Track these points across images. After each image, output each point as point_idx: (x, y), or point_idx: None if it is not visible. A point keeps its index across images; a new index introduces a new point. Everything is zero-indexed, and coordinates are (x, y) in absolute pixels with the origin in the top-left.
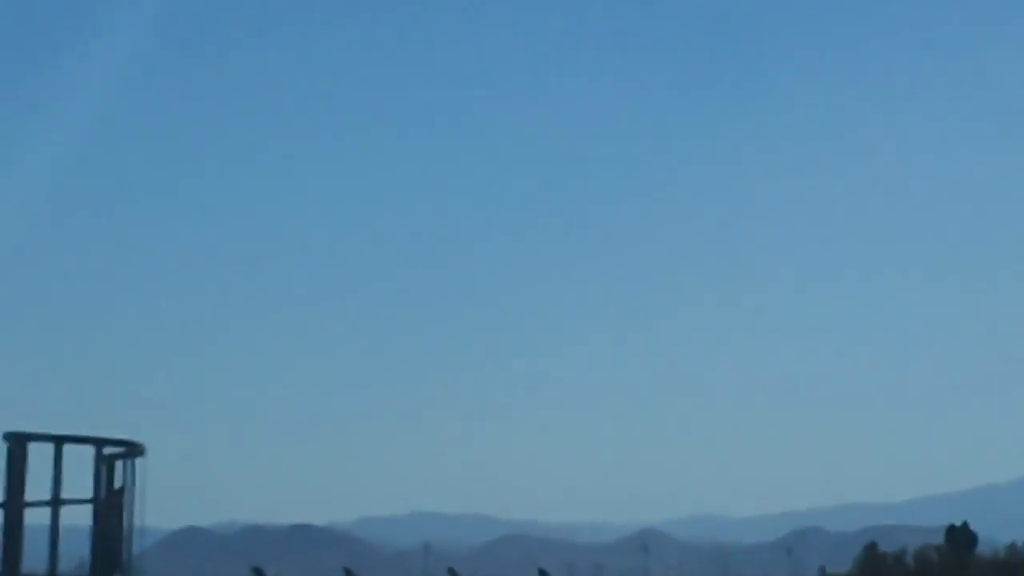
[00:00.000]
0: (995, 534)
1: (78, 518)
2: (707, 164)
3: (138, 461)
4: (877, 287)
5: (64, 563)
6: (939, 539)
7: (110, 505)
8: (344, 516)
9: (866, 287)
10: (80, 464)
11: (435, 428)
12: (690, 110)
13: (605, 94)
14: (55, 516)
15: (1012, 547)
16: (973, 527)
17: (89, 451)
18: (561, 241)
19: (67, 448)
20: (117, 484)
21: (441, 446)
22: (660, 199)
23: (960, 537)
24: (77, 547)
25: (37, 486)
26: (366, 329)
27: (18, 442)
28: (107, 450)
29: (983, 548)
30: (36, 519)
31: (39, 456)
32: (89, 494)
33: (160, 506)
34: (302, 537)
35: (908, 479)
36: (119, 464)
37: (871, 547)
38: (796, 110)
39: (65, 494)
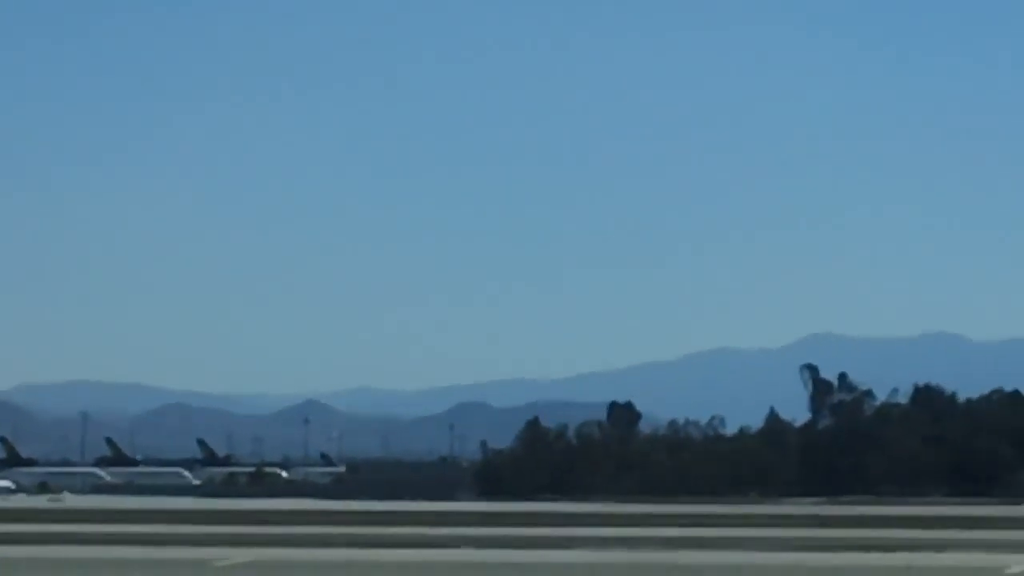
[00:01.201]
0: (657, 411)
1: None
2: None
3: None
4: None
5: None
6: (602, 415)
7: None
8: (1, 383)
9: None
10: None
11: (95, 294)
12: None
13: None
14: None
15: (673, 424)
16: (636, 404)
17: None
18: None
19: None
20: None
21: (101, 313)
22: None
23: (622, 414)
24: None
25: None
26: (41, 189)
27: None
28: None
29: (645, 425)
30: None
31: None
32: None
33: None
34: None
35: (571, 356)
36: None
37: (533, 422)
38: None
39: None
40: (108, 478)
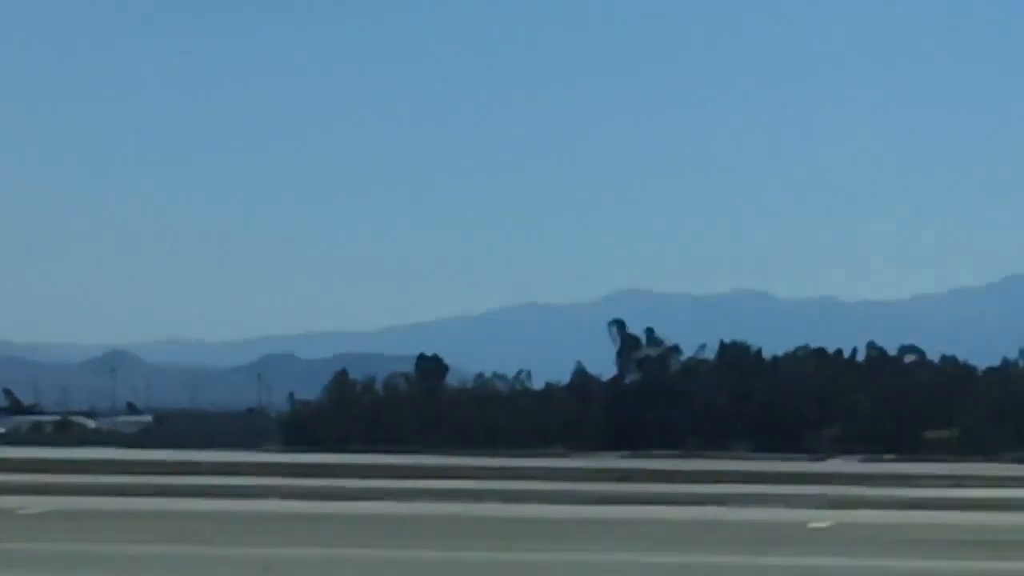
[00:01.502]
0: (465, 365)
1: None
2: None
3: None
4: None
5: None
6: (409, 368)
7: None
8: None
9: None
10: None
11: None
12: None
13: None
14: None
15: (480, 377)
16: (443, 357)
17: None
18: None
19: None
20: None
21: None
22: None
23: (430, 367)
24: None
25: None
26: None
27: None
28: None
29: (453, 378)
30: None
31: None
32: None
33: None
34: None
35: (379, 309)
36: None
37: (341, 374)
38: None
39: None
40: None
